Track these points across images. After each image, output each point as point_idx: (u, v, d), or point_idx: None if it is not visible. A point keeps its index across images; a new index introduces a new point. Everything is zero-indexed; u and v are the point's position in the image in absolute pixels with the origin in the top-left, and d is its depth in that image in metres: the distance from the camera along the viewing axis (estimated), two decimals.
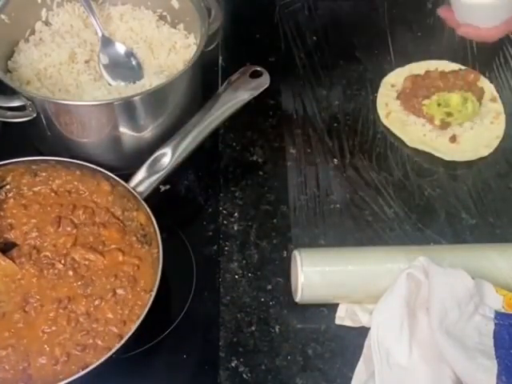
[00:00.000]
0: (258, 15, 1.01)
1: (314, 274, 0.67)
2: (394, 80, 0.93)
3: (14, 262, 0.68)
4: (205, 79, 0.85)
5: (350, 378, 0.64)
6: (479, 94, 0.89)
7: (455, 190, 0.81)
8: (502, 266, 0.67)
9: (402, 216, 0.78)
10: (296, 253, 0.69)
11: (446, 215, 0.79)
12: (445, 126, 0.86)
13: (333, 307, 0.69)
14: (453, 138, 0.85)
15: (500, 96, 0.91)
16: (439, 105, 0.87)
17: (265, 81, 0.78)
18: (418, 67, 0.93)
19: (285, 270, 0.72)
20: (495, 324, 0.60)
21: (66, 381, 0.57)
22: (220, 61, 0.94)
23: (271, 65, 0.85)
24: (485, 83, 0.92)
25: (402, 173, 0.83)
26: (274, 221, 0.78)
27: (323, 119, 0.88)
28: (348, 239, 0.76)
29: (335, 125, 0.88)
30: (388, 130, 0.87)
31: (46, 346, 0.63)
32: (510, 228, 0.77)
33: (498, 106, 0.90)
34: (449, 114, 0.86)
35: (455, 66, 0.94)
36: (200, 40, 0.78)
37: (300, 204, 0.79)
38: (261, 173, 0.82)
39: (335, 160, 0.84)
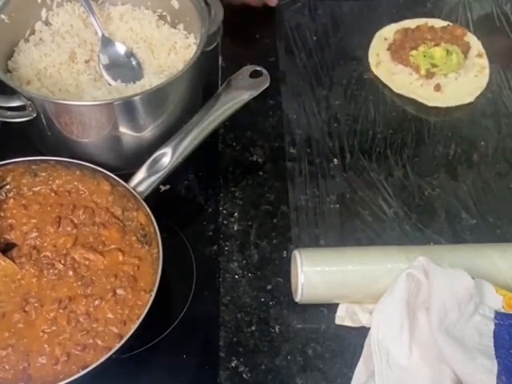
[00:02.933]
0: (258, 15, 1.01)
1: (314, 274, 0.67)
2: (387, 33, 0.98)
3: (13, 262, 0.68)
4: (205, 79, 0.85)
5: (350, 378, 0.64)
6: (465, 48, 0.94)
7: (455, 190, 0.81)
8: (502, 266, 0.67)
9: (402, 216, 0.78)
10: (296, 253, 0.69)
11: (446, 215, 0.79)
12: (430, 75, 0.91)
13: (333, 307, 0.69)
14: (437, 87, 0.90)
15: (487, 53, 0.95)
16: (425, 56, 0.92)
17: (265, 81, 0.78)
18: (411, 23, 0.98)
19: (285, 270, 0.72)
20: (495, 324, 0.61)
21: (66, 381, 0.57)
22: (220, 61, 0.94)
23: (271, 65, 0.86)
24: (472, 39, 0.97)
25: (402, 173, 0.83)
26: (274, 221, 0.78)
27: (323, 119, 0.88)
28: (348, 239, 0.76)
29: (335, 125, 0.88)
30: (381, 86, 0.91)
31: (46, 346, 0.63)
32: (510, 228, 0.77)
33: (484, 61, 0.95)
34: (434, 65, 0.91)
35: (445, 24, 0.98)
36: (200, 40, 0.78)
37: (300, 204, 0.79)
38: (261, 173, 0.82)
39: (335, 160, 0.84)
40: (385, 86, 0.92)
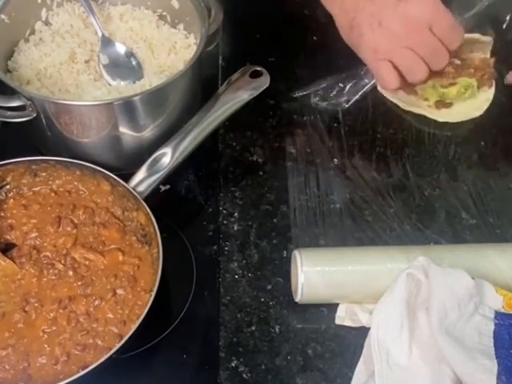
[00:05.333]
0: (258, 15, 1.01)
1: (314, 273, 0.67)
2: None
3: (13, 262, 0.68)
4: (205, 79, 0.85)
5: (350, 378, 0.64)
6: (483, 81, 0.88)
7: (455, 190, 0.81)
8: (501, 266, 0.67)
9: (402, 216, 0.78)
10: (296, 253, 0.69)
11: (446, 215, 0.79)
12: (439, 105, 0.87)
13: (333, 307, 0.69)
14: (447, 105, 0.87)
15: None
16: (434, 88, 0.86)
17: (265, 81, 0.78)
18: None
19: (285, 270, 0.72)
20: (495, 324, 0.60)
21: (66, 381, 0.57)
22: (220, 61, 0.94)
23: (271, 65, 0.85)
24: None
25: (402, 173, 0.83)
26: (274, 221, 0.78)
27: (323, 119, 0.88)
28: (348, 239, 0.76)
29: (335, 125, 0.88)
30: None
31: (46, 346, 0.63)
32: (510, 228, 0.77)
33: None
34: (444, 97, 0.87)
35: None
36: (200, 40, 0.78)
37: (300, 204, 0.79)
38: (261, 173, 0.82)
39: (335, 160, 0.84)
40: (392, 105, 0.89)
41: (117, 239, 0.71)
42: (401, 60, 0.73)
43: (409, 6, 0.71)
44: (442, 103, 0.88)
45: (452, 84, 0.87)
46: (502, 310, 0.62)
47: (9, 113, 0.72)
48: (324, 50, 0.97)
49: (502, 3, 0.91)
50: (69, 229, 0.71)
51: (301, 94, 0.90)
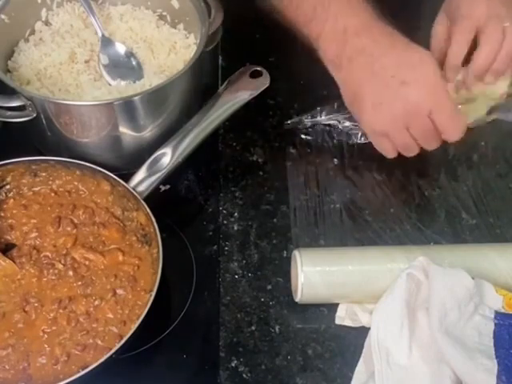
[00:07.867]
0: (258, 15, 1.01)
1: (314, 274, 0.67)
2: None
3: (14, 262, 0.68)
4: (205, 79, 0.85)
5: (350, 378, 0.64)
6: None
7: (455, 190, 0.81)
8: (501, 266, 0.67)
9: (402, 216, 0.78)
10: (296, 253, 0.69)
11: (446, 215, 0.79)
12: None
13: (333, 307, 0.69)
14: None
15: None
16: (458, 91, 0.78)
17: (265, 81, 0.78)
18: None
19: (285, 270, 0.72)
20: (495, 324, 0.61)
21: (66, 381, 0.57)
22: (220, 61, 0.94)
23: (271, 65, 0.85)
24: None
25: (402, 173, 0.83)
26: (274, 221, 0.78)
27: (323, 119, 0.88)
28: (348, 239, 0.76)
29: (335, 125, 0.88)
30: None
31: (46, 346, 0.63)
32: (510, 228, 0.77)
33: None
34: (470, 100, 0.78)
35: None
36: (200, 40, 0.78)
37: (300, 204, 0.79)
38: (261, 173, 0.82)
39: (335, 160, 0.84)
40: None
41: (117, 239, 0.71)
42: (396, 139, 0.75)
43: (411, 90, 0.70)
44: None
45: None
46: (502, 310, 0.62)
47: (9, 113, 0.72)
48: None
49: None
50: (69, 229, 0.71)
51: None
